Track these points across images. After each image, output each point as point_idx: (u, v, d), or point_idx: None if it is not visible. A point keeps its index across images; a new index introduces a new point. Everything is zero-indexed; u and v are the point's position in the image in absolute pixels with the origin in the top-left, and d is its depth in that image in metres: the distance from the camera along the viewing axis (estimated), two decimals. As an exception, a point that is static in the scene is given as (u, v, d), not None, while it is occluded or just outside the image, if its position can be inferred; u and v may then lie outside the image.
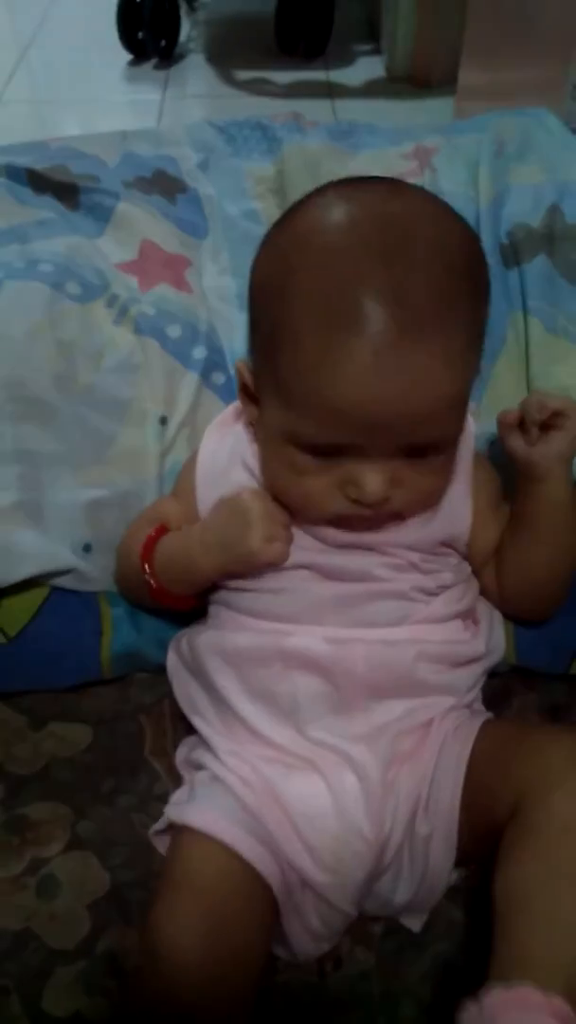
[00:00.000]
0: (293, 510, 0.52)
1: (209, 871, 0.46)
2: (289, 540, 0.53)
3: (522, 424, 0.54)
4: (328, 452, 0.48)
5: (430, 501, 0.53)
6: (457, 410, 0.49)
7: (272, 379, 0.48)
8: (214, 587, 0.57)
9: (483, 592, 0.60)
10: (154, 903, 0.46)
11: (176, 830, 0.50)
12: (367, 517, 0.50)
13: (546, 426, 0.53)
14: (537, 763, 0.47)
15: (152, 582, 0.56)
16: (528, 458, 0.54)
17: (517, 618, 0.61)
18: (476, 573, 0.59)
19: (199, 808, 0.49)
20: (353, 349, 0.43)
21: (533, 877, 0.44)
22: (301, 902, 0.48)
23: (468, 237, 0.49)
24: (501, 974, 0.41)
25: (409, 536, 0.53)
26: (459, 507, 0.56)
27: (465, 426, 0.53)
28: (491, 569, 0.59)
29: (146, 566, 0.56)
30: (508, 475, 0.58)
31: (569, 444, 0.53)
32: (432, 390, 0.45)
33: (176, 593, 0.57)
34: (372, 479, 0.47)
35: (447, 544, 0.56)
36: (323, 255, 0.45)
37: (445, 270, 0.45)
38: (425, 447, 0.48)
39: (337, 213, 0.47)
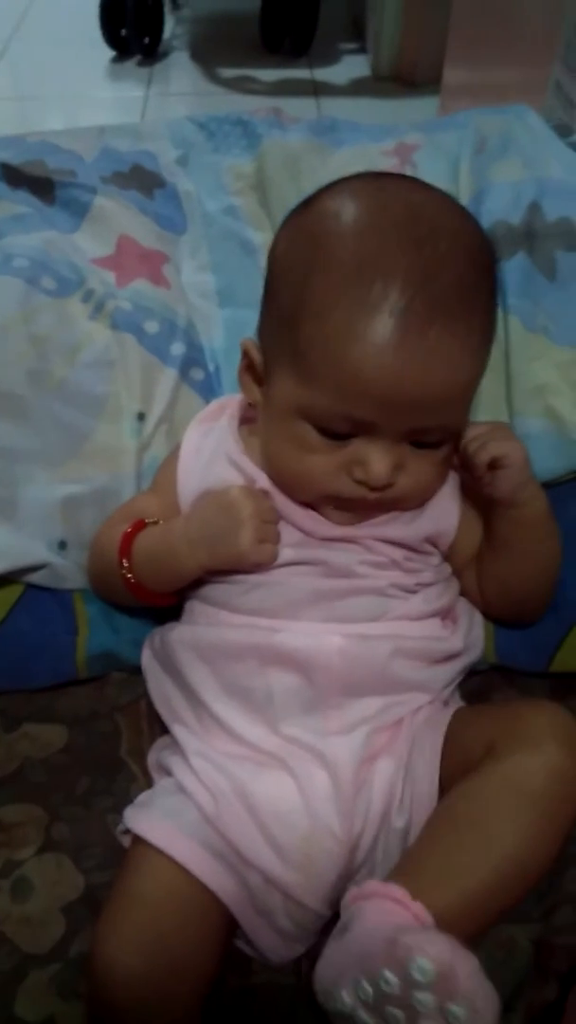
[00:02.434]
0: (291, 488, 0.52)
1: (154, 885, 0.46)
2: (278, 540, 0.52)
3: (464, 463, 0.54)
4: (338, 433, 0.48)
5: (427, 493, 0.53)
6: (467, 400, 0.50)
7: (289, 352, 0.48)
8: (192, 581, 0.56)
9: (464, 595, 0.59)
10: (100, 914, 0.46)
11: (133, 835, 0.49)
12: (367, 501, 0.50)
13: (492, 466, 0.53)
14: (511, 719, 0.49)
15: (131, 578, 0.55)
16: (490, 497, 0.54)
17: (500, 622, 0.61)
18: (457, 575, 0.59)
19: (153, 818, 0.49)
20: (381, 323, 0.44)
21: (462, 814, 0.46)
22: (269, 904, 0.48)
23: (486, 239, 0.51)
24: (388, 875, 0.45)
25: (396, 531, 0.53)
26: (446, 505, 0.56)
27: None
28: (472, 575, 0.59)
29: (124, 562, 0.55)
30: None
31: (518, 476, 0.53)
32: (451, 372, 0.46)
33: (156, 590, 0.56)
34: (379, 460, 0.48)
35: (432, 541, 0.56)
36: (354, 232, 0.47)
37: (468, 261, 0.47)
38: (431, 434, 0.49)
39: (366, 196, 0.49)
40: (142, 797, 0.52)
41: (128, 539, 0.55)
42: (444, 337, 0.45)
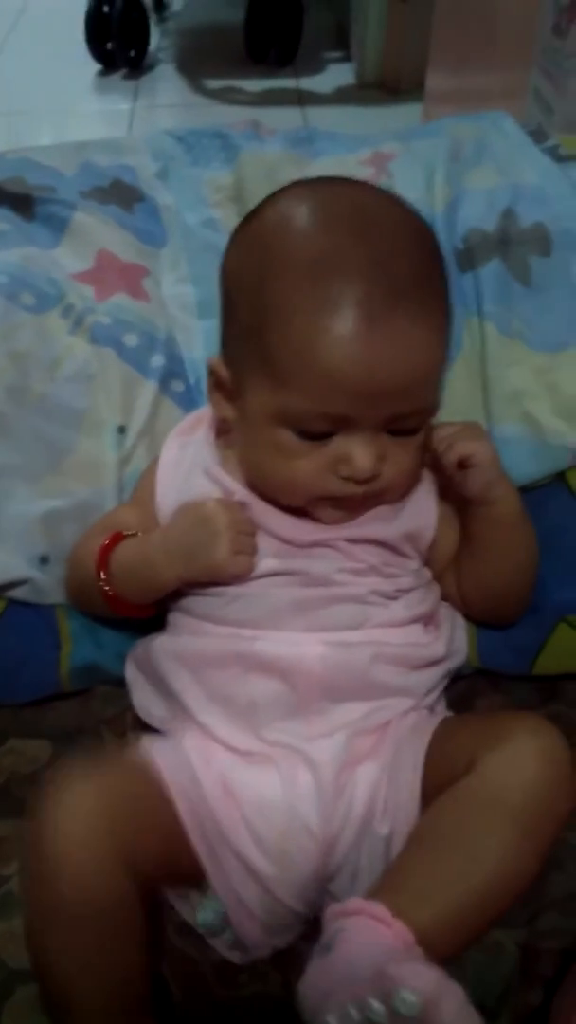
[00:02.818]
0: (281, 495, 0.53)
1: (129, 773, 0.48)
2: (255, 551, 0.53)
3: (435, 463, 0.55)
4: (317, 433, 0.49)
5: (410, 481, 0.54)
6: (438, 381, 0.51)
7: (259, 361, 0.49)
8: (172, 593, 0.56)
9: (446, 598, 0.60)
10: (55, 782, 0.45)
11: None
12: (356, 497, 0.50)
13: (461, 465, 0.53)
14: (493, 733, 0.49)
15: (108, 590, 0.55)
16: (462, 496, 0.55)
17: (482, 623, 0.61)
18: (437, 579, 0.59)
19: (158, 748, 0.50)
20: (344, 317, 0.45)
21: (444, 832, 0.46)
22: (246, 894, 0.48)
23: (429, 228, 0.52)
24: (371, 891, 0.45)
25: (376, 530, 0.54)
26: (424, 502, 0.56)
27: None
28: (451, 577, 0.59)
29: (102, 574, 0.55)
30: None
31: (488, 473, 0.53)
32: (420, 355, 0.47)
33: (133, 602, 0.56)
34: (363, 453, 0.48)
35: (412, 541, 0.56)
36: (303, 232, 0.48)
37: (417, 247, 0.49)
38: (408, 420, 0.49)
39: (309, 200, 0.50)
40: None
41: (106, 551, 0.56)
42: (408, 322, 0.46)
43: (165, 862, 0.47)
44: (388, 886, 0.45)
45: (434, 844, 0.46)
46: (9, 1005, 0.49)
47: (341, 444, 0.48)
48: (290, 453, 0.49)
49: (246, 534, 0.53)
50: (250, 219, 0.52)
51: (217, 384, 0.54)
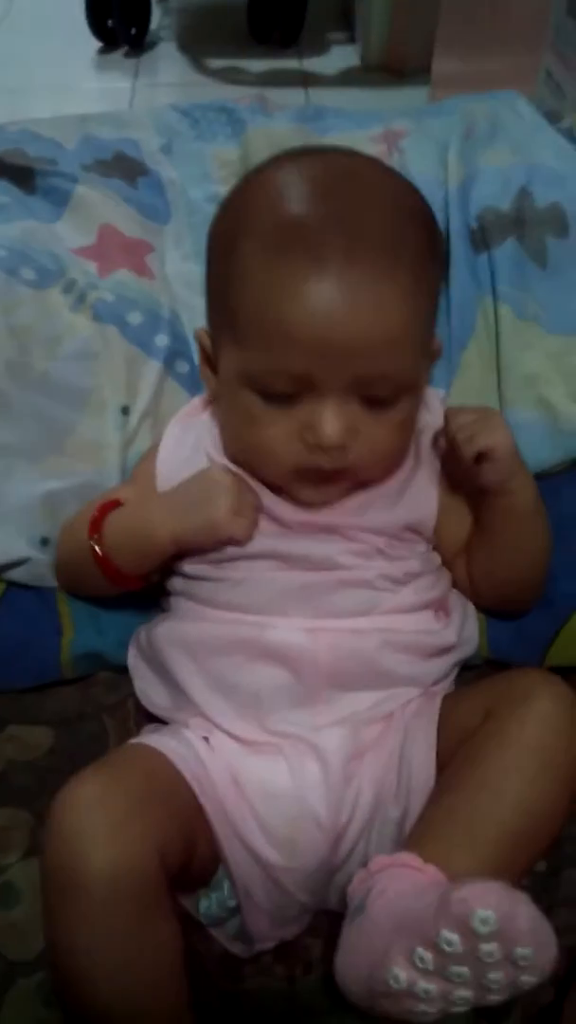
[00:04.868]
0: (252, 465, 0.52)
1: (143, 758, 0.47)
2: (255, 521, 0.52)
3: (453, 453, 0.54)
4: (282, 397, 0.47)
5: (388, 459, 0.52)
6: (407, 348, 0.47)
7: (227, 320, 0.48)
8: (173, 575, 0.55)
9: (456, 585, 0.58)
10: (67, 785, 0.43)
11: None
12: (326, 471, 0.49)
13: (479, 458, 0.52)
14: (502, 684, 0.49)
15: (99, 552, 0.53)
16: (480, 486, 0.54)
17: (493, 612, 0.60)
18: (448, 565, 0.58)
19: (162, 740, 0.50)
20: (298, 271, 0.44)
21: (463, 777, 0.46)
22: (253, 884, 0.47)
23: (419, 196, 0.50)
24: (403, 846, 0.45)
25: (373, 520, 0.53)
26: (424, 493, 0.55)
27: (427, 401, 0.52)
28: (462, 565, 0.58)
29: (94, 535, 0.53)
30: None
31: (507, 467, 0.52)
32: (379, 312, 0.45)
33: (124, 567, 0.54)
34: (329, 420, 0.46)
35: (413, 530, 0.55)
36: (272, 196, 0.47)
37: (391, 207, 0.47)
38: (377, 387, 0.47)
39: (288, 165, 0.49)
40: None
41: (102, 512, 0.54)
42: (370, 276, 0.44)
43: (185, 846, 0.46)
44: (413, 840, 0.45)
45: (458, 791, 0.45)
46: (9, 996, 0.48)
47: (308, 410, 0.47)
48: (258, 419, 0.48)
49: (248, 502, 0.52)
50: (234, 188, 0.52)
51: (203, 355, 0.54)
